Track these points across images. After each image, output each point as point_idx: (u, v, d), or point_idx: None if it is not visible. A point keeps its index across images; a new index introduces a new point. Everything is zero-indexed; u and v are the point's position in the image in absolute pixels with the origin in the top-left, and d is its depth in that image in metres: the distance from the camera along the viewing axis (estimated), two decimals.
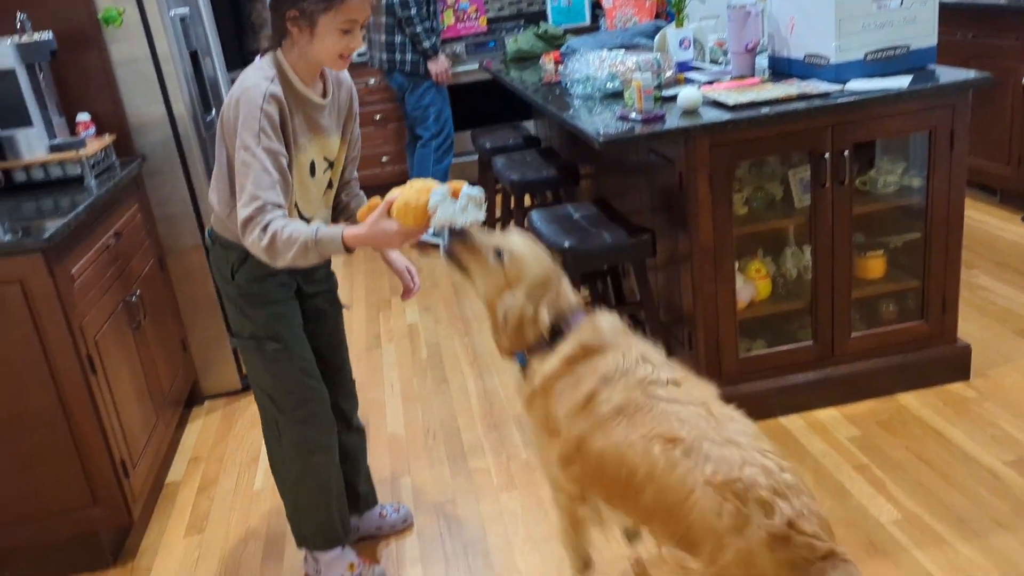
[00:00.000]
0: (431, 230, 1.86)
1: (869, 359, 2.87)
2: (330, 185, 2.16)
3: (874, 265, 2.90)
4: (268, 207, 1.86)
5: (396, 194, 1.88)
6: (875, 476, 2.50)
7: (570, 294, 1.94)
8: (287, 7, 1.88)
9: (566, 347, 1.85)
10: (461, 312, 4.11)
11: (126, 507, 2.50)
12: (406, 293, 2.36)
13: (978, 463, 2.50)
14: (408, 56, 4.85)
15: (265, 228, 1.86)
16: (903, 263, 2.94)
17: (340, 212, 2.28)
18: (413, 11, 4.66)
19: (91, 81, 3.04)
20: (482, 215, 1.87)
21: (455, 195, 1.84)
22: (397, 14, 4.71)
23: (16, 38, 2.71)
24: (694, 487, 1.58)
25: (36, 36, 2.77)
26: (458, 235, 1.89)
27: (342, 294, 2.36)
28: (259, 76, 1.91)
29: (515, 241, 1.92)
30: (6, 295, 2.22)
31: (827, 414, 2.85)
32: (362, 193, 2.31)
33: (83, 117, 2.98)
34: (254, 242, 1.88)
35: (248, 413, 3.39)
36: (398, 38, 4.82)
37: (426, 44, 4.76)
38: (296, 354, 2.16)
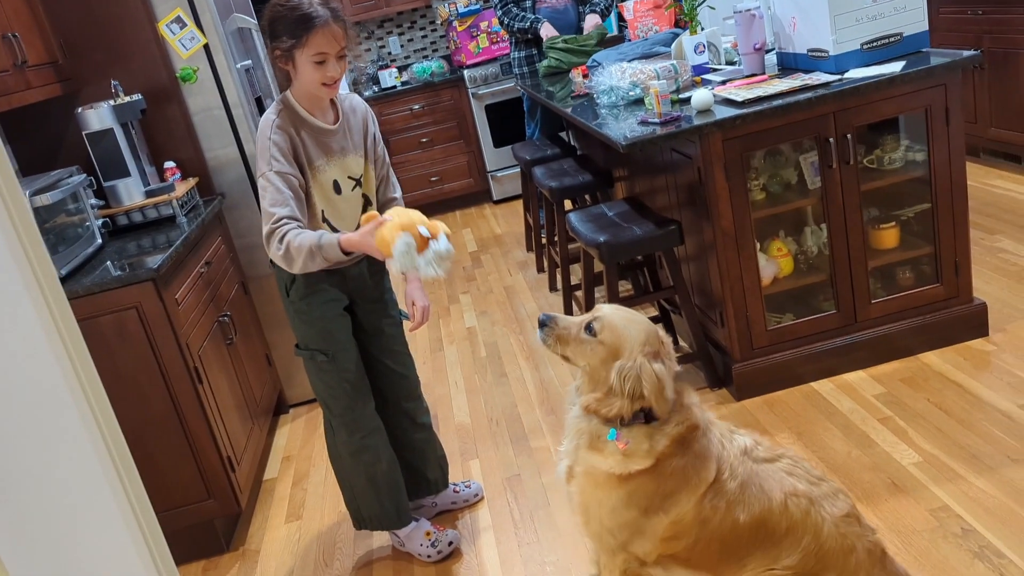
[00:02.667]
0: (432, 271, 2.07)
1: (891, 323, 3.11)
2: (368, 202, 2.46)
3: (888, 236, 3.14)
4: (283, 220, 2.19)
5: (390, 216, 2.12)
6: (898, 426, 2.74)
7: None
8: (272, 48, 2.25)
9: (674, 427, 1.89)
10: (515, 313, 4.44)
11: (235, 498, 2.88)
12: (412, 326, 2.59)
13: (994, 408, 2.72)
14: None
15: (281, 239, 2.18)
16: (916, 231, 3.17)
17: None
18: (505, 21, 5.06)
19: (174, 132, 3.47)
20: (443, 272, 2.03)
21: (433, 237, 2.06)
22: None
23: (112, 101, 3.14)
24: (825, 525, 1.88)
25: (128, 98, 3.20)
26: (546, 326, 1.98)
27: (402, 305, 2.63)
28: (268, 114, 2.28)
29: (604, 310, 1.96)
30: (126, 319, 2.63)
31: (855, 376, 3.09)
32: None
33: (170, 164, 3.41)
34: (274, 253, 2.21)
35: None
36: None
37: (524, 25, 5.03)
38: (342, 366, 2.46)
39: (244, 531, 3.04)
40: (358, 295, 2.52)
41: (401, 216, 2.10)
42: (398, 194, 2.60)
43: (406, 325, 2.64)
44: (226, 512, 2.89)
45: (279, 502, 3.18)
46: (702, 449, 1.91)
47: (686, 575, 2.02)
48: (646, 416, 1.89)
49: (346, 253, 2.17)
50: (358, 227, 2.40)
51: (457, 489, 2.89)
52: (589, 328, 1.93)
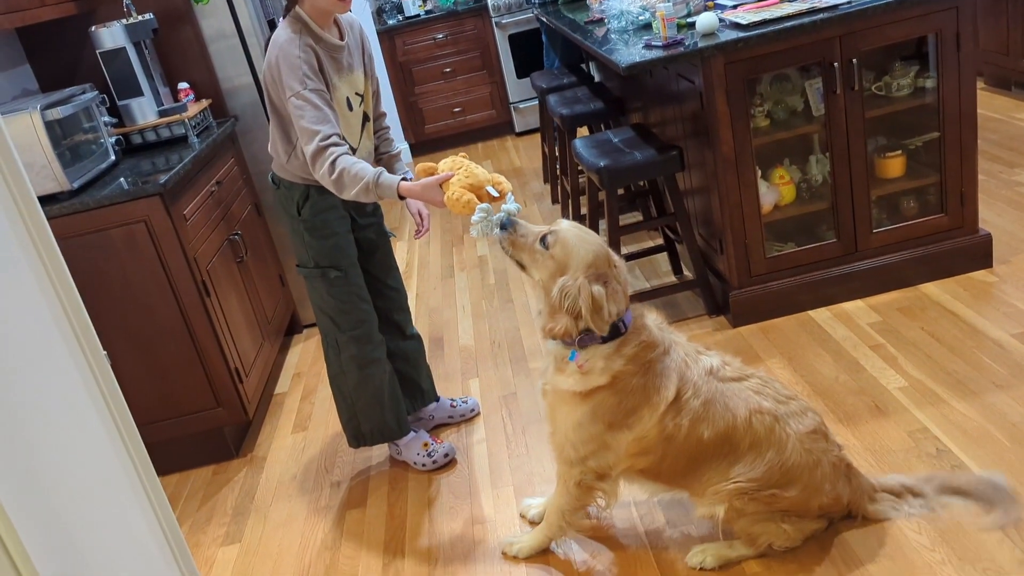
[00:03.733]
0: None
1: (892, 253, 3.10)
2: (366, 119, 2.51)
3: (894, 165, 3.11)
4: (332, 139, 2.23)
5: (448, 166, 2.16)
6: (888, 353, 2.76)
7: (626, 290, 1.97)
8: None
9: (631, 347, 1.95)
10: None
11: (243, 408, 3.01)
12: (417, 233, 2.68)
13: (986, 336, 2.72)
14: None
15: (334, 163, 2.22)
16: (924, 161, 3.13)
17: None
18: None
19: (187, 53, 3.53)
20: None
21: (501, 196, 2.11)
22: None
23: (124, 20, 3.20)
24: (789, 441, 1.96)
25: (139, 17, 3.25)
26: (507, 229, 2.02)
27: (422, 240, 2.72)
28: (288, 33, 2.27)
29: (562, 226, 1.98)
30: (135, 232, 2.73)
31: (852, 305, 3.10)
32: (392, 137, 2.69)
33: (183, 85, 3.47)
34: (323, 175, 2.25)
35: None
36: None
37: None
38: (353, 281, 2.55)
39: (253, 439, 3.19)
40: (356, 212, 2.59)
41: (463, 172, 2.12)
42: (383, 111, 2.66)
43: (393, 233, 2.72)
44: (235, 420, 3.02)
45: (287, 414, 3.31)
46: (663, 368, 1.97)
47: (652, 486, 2.12)
48: (605, 336, 1.94)
49: (400, 197, 2.23)
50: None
51: (454, 404, 2.99)
52: (543, 240, 1.97)
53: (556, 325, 1.94)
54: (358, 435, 2.74)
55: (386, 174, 2.23)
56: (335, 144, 2.24)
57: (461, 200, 2.09)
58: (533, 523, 2.37)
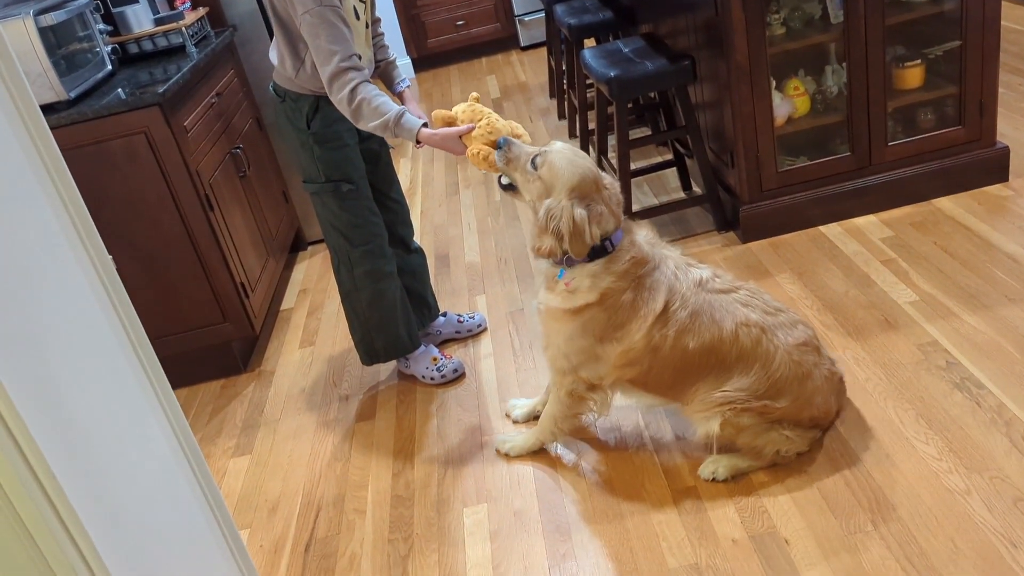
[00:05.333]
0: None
1: (907, 166, 3.04)
2: (367, 27, 2.43)
3: (912, 75, 3.02)
4: (351, 60, 2.17)
5: (468, 116, 2.13)
6: (900, 267, 2.73)
7: (615, 211, 1.99)
8: None
9: (619, 264, 1.97)
10: None
11: (249, 323, 3.01)
12: (418, 143, 2.64)
13: (1000, 250, 2.69)
14: None
15: (354, 90, 2.16)
16: (942, 71, 3.04)
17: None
18: None
19: None
20: None
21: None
22: None
23: None
24: (777, 353, 1.97)
25: None
26: (501, 148, 2.04)
27: (424, 148, 2.67)
28: None
29: (553, 147, 1.99)
30: (136, 143, 2.67)
31: (864, 220, 3.06)
32: (387, 44, 2.61)
33: None
34: (341, 100, 2.19)
35: None
36: None
37: None
38: (364, 194, 2.51)
39: (260, 354, 3.20)
40: None
41: (484, 125, 2.10)
42: (379, 17, 2.59)
43: (409, 152, 2.68)
44: (242, 335, 3.02)
45: (294, 329, 3.32)
46: (652, 283, 1.99)
47: (643, 397, 2.15)
48: (593, 253, 1.97)
49: (417, 143, 2.21)
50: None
51: (461, 319, 2.99)
52: (533, 161, 1.98)
53: (542, 245, 1.99)
54: (371, 352, 2.74)
55: (408, 115, 2.20)
56: (355, 68, 2.18)
57: (487, 159, 2.10)
58: (516, 423, 2.46)
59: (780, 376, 1.96)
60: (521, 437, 2.33)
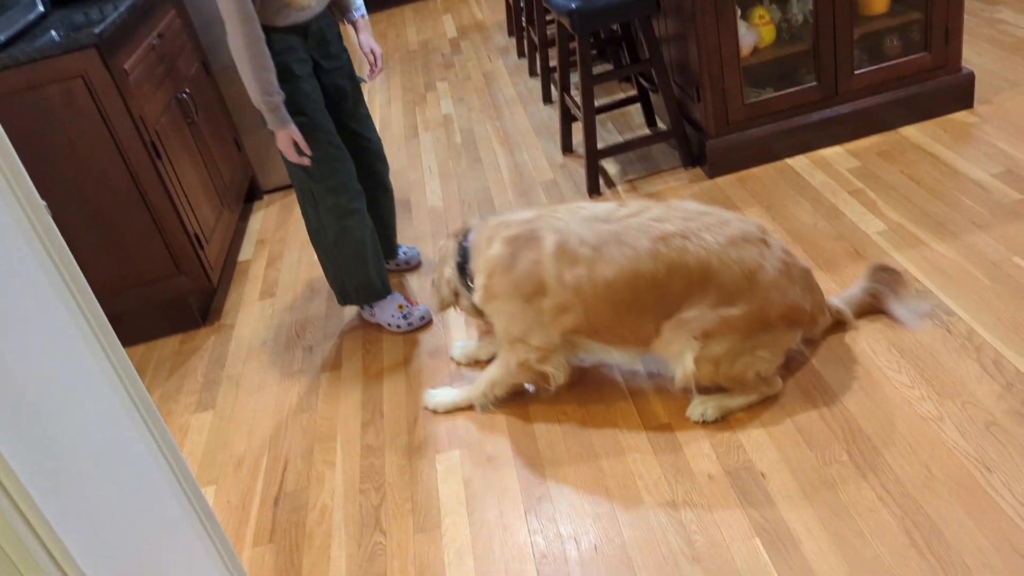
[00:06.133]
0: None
1: (873, 95, 3.00)
2: None
3: (878, 0, 2.96)
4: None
5: None
6: (868, 198, 2.71)
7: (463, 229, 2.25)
8: None
9: (486, 246, 2.11)
10: (493, 99, 4.30)
11: (206, 275, 2.90)
12: (371, 74, 2.60)
13: (967, 177, 2.67)
14: None
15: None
16: None
17: None
18: None
19: None
20: None
21: None
22: None
23: None
24: (710, 256, 1.89)
25: None
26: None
27: (380, 90, 2.60)
28: None
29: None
30: (73, 88, 2.52)
31: (831, 151, 3.02)
32: None
33: None
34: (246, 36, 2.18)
35: None
36: None
37: None
38: (322, 127, 2.40)
39: (219, 307, 3.10)
40: (320, 54, 2.42)
41: None
42: None
43: (364, 78, 2.62)
44: (198, 288, 2.92)
45: (253, 281, 3.22)
46: (531, 233, 2.04)
47: (601, 347, 2.11)
48: (462, 257, 2.21)
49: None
50: None
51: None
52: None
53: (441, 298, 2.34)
54: (344, 293, 2.68)
55: (284, 108, 2.27)
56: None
57: None
58: (455, 361, 2.48)
59: (724, 279, 1.88)
60: (450, 395, 2.30)
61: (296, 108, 2.34)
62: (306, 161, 2.35)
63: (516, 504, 1.94)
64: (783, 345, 2.00)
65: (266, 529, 2.06)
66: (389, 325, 2.70)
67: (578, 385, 2.25)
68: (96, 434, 1.21)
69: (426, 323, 2.70)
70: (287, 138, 2.29)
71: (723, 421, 2.02)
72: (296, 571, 1.92)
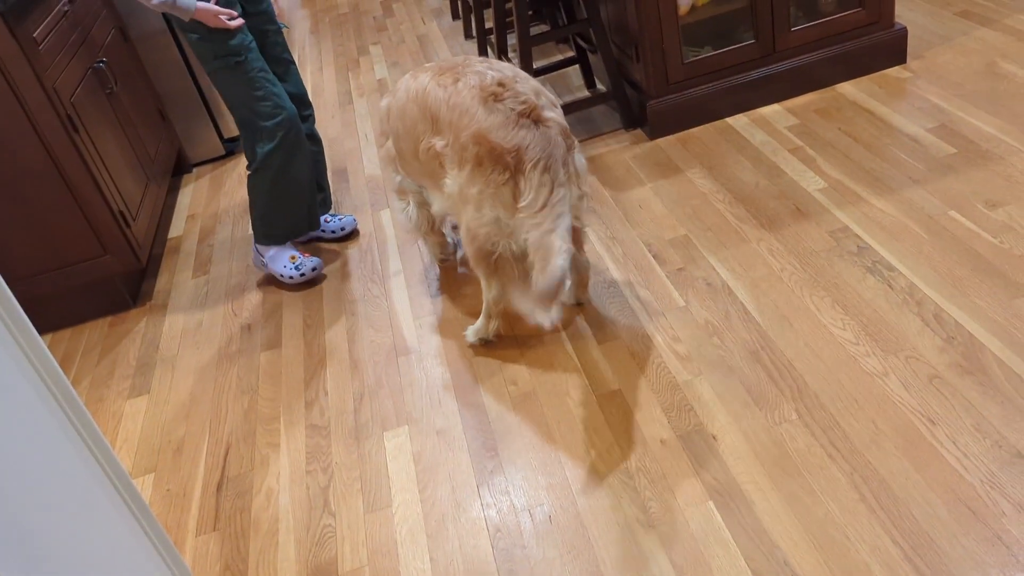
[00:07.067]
0: None
1: (810, 52, 3.00)
2: None
3: None
4: None
5: None
6: (807, 155, 2.72)
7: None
8: None
9: None
10: (427, 61, 4.19)
11: (134, 254, 2.77)
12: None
13: (902, 132, 2.70)
14: None
15: None
16: None
17: None
18: None
19: None
20: None
21: None
22: None
23: None
24: (441, 95, 2.02)
25: None
26: None
27: (311, 56, 2.55)
28: None
29: None
30: None
31: (769, 109, 3.02)
32: None
33: None
34: None
35: (235, 173, 3.61)
36: None
37: None
38: (258, 65, 2.45)
39: (150, 287, 2.97)
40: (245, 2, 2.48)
41: None
42: None
43: (284, 24, 2.61)
44: (126, 268, 2.79)
45: (185, 258, 3.09)
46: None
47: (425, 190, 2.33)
48: None
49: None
50: None
51: (327, 219, 2.92)
52: None
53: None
54: (268, 235, 2.69)
55: None
56: None
57: None
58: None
59: (442, 114, 2.00)
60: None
61: (230, 50, 2.37)
62: (239, 22, 2.35)
63: (468, 478, 1.91)
64: (483, 195, 1.95)
65: (210, 517, 1.99)
66: (281, 276, 2.74)
67: (527, 354, 2.22)
68: (9, 428, 1.13)
69: (317, 274, 2.73)
70: (207, 12, 2.27)
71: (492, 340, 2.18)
72: (243, 559, 1.86)
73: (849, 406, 1.83)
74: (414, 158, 2.18)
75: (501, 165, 1.88)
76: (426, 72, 2.12)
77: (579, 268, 2.26)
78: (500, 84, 1.94)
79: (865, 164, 2.59)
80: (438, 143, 2.03)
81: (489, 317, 2.24)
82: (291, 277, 2.70)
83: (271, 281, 2.81)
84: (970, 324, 1.96)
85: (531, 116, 1.89)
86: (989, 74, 2.90)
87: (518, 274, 2.05)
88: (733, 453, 1.80)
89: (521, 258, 2.00)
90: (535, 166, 1.86)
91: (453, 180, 2.00)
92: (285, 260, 2.71)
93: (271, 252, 2.72)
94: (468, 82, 1.97)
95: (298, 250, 2.75)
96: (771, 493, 1.69)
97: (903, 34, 3.02)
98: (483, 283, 2.17)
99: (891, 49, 3.03)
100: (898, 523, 1.58)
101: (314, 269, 2.71)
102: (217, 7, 2.30)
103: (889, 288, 2.12)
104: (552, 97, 2.02)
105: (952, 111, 2.74)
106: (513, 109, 1.89)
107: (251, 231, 3.00)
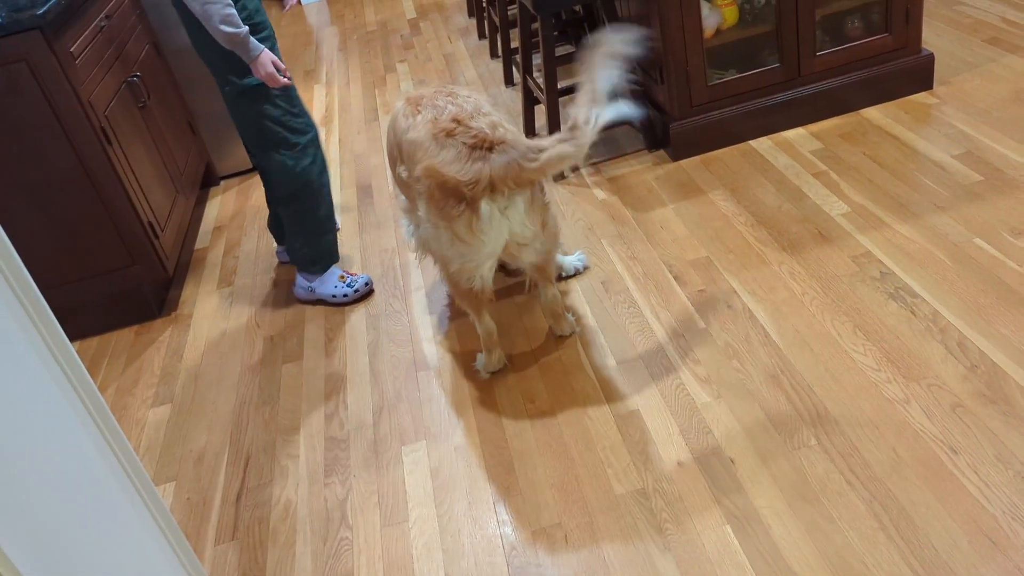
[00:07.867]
0: None
1: (835, 77, 3.00)
2: None
3: None
4: None
5: None
6: (831, 180, 2.71)
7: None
8: None
9: None
10: (454, 81, 4.24)
11: (161, 264, 2.82)
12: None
13: (928, 158, 2.69)
14: None
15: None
16: None
17: None
18: None
19: None
20: None
21: None
22: None
23: None
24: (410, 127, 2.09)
25: None
26: None
27: (339, 71, 2.56)
28: None
29: None
30: (16, 73, 2.41)
31: (793, 133, 3.02)
32: None
33: None
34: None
35: (262, 188, 3.65)
36: None
37: None
38: (291, 87, 2.47)
39: (176, 297, 3.01)
40: (253, 29, 2.47)
41: None
42: None
43: (323, 78, 2.59)
44: (153, 278, 2.83)
45: (211, 269, 3.14)
46: None
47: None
48: None
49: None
50: None
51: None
52: None
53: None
54: (312, 259, 2.67)
55: (254, 40, 2.30)
56: None
57: None
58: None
59: (399, 140, 2.12)
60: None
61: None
62: (286, 81, 2.38)
63: (485, 495, 1.92)
64: (437, 218, 1.97)
65: (228, 526, 2.01)
66: (333, 297, 2.71)
67: (545, 372, 2.23)
68: (40, 434, 1.15)
69: (370, 289, 2.73)
70: (267, 61, 2.29)
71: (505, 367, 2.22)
72: (260, 569, 1.88)
73: (869, 433, 1.82)
74: (398, 180, 2.29)
75: (455, 198, 1.90)
76: (402, 99, 2.22)
77: (548, 301, 2.27)
78: (455, 120, 1.97)
79: (889, 190, 2.59)
80: (403, 172, 2.16)
81: (489, 351, 2.25)
82: (345, 295, 2.68)
83: (293, 293, 2.84)
84: (994, 353, 1.94)
85: (484, 147, 1.91)
86: (1017, 101, 2.88)
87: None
88: (751, 477, 1.79)
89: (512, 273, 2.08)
90: (502, 181, 1.89)
91: (421, 210, 2.06)
92: (335, 280, 2.68)
93: (321, 275, 2.69)
94: (425, 116, 2.04)
95: (340, 268, 2.75)
96: (788, 518, 1.68)
97: (930, 60, 3.01)
98: (472, 318, 2.22)
99: (918, 75, 3.03)
100: (917, 552, 1.56)
101: (367, 283, 2.70)
102: (275, 58, 2.33)
103: (912, 315, 2.11)
104: (512, 128, 2.02)
105: (978, 138, 2.72)
106: (465, 143, 1.92)
107: (276, 251, 3.04)
